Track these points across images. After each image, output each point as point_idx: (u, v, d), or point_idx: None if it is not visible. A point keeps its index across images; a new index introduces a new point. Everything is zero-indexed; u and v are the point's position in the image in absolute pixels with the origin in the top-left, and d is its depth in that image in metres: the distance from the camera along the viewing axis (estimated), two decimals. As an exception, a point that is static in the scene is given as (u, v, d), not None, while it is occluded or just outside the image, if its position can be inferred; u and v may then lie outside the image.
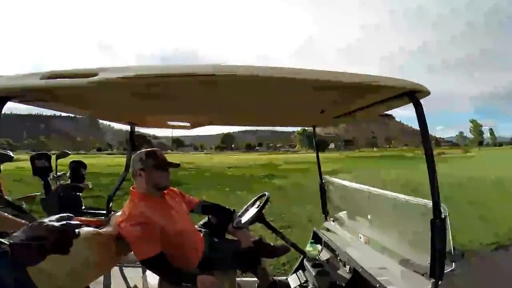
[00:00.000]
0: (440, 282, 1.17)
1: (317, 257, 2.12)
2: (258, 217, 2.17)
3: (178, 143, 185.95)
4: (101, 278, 1.87)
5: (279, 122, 2.59)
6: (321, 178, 2.55)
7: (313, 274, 1.95)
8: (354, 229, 2.12)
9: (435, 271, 1.15)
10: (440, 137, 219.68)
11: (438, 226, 1.10)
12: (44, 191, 3.20)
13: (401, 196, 1.55)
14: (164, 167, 1.78)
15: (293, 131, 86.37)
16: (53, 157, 3.51)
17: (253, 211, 2.19)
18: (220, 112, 1.86)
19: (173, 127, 2.40)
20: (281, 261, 3.56)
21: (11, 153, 3.07)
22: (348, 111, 1.68)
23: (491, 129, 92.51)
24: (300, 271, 2.14)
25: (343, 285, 1.76)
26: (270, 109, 1.73)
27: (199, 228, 2.20)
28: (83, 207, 3.25)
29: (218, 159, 24.52)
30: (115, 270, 1.99)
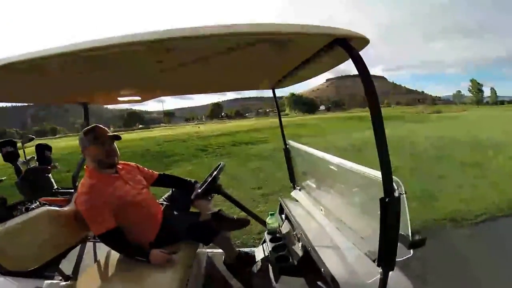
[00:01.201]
0: (390, 272, 1.01)
1: (277, 230, 2.06)
2: (214, 188, 2.19)
3: (170, 116, 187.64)
4: (74, 253, 1.99)
5: (231, 87, 2.48)
6: (285, 143, 2.44)
7: (269, 248, 1.87)
8: (317, 200, 2.01)
9: (383, 258, 1.00)
10: (436, 96, 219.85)
11: (388, 205, 0.92)
12: (16, 175, 3.36)
13: (359, 168, 1.28)
14: (103, 143, 1.76)
15: (282, 96, 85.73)
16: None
17: (208, 181, 2.19)
18: (169, 82, 1.78)
19: (124, 102, 2.37)
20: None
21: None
22: (290, 69, 1.57)
23: (492, 88, 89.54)
24: (266, 243, 2.03)
25: (295, 263, 1.65)
26: (217, 74, 1.60)
27: (161, 201, 2.26)
28: (55, 187, 3.35)
29: (205, 128, 24.26)
30: (89, 246, 2.08)
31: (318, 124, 21.25)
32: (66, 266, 1.89)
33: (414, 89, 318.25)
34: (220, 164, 2.36)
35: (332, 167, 1.58)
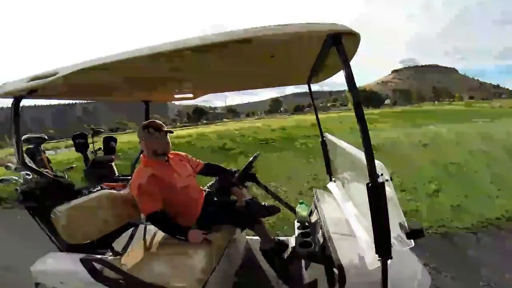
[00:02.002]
0: (389, 261, 1.04)
1: (307, 219, 2.13)
2: (248, 176, 2.39)
3: (232, 112, 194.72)
4: (127, 234, 2.24)
5: (271, 83, 2.59)
6: (322, 136, 2.47)
7: (296, 235, 1.97)
8: (348, 192, 1.98)
9: (379, 246, 1.02)
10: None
11: (374, 190, 0.98)
12: (84, 163, 3.83)
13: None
14: (157, 136, 2.00)
15: (344, 90, 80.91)
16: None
17: (244, 170, 2.37)
18: (216, 80, 2.06)
19: (179, 99, 2.76)
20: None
21: (45, 136, 3.67)
22: (311, 65, 1.62)
23: None
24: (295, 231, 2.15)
25: (316, 250, 1.72)
26: (255, 71, 1.80)
27: (205, 189, 2.43)
28: (117, 175, 3.68)
29: (263, 123, 24.52)
30: (141, 229, 2.28)
31: (376, 119, 20.32)
32: (119, 246, 2.10)
33: (489, 82, 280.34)
34: (256, 154, 2.51)
35: (358, 162, 1.61)
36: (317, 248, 1.72)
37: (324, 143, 2.44)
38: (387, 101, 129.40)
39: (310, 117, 22.11)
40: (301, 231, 1.97)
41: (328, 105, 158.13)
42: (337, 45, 1.01)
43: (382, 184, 0.97)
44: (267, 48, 1.16)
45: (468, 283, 2.63)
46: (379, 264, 1.05)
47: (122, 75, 1.52)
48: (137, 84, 1.94)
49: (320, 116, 2.62)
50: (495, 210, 4.17)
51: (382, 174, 0.99)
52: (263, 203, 2.26)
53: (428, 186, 5.43)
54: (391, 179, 1.04)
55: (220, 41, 0.99)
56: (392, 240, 1.02)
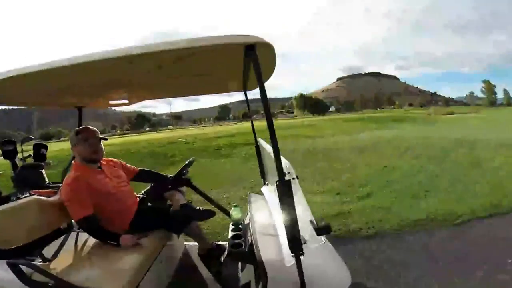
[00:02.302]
0: (301, 257, 1.09)
1: (240, 222, 2.14)
2: (183, 181, 2.48)
3: (177, 118, 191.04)
4: (58, 242, 2.12)
5: (208, 90, 2.69)
6: (256, 141, 2.65)
7: (229, 237, 1.98)
8: (275, 193, 2.07)
9: (291, 243, 1.08)
10: (450, 97, 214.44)
11: (281, 188, 1.06)
12: (13, 170, 3.75)
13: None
14: (90, 142, 2.03)
15: (291, 97, 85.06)
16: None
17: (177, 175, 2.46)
18: (151, 87, 2.13)
19: (113, 105, 2.76)
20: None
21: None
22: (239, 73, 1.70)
23: (505, 89, 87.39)
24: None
25: (246, 250, 1.76)
26: (190, 79, 1.90)
27: (139, 195, 2.49)
28: (47, 182, 3.63)
29: (209, 130, 24.55)
30: (73, 234, 2.22)
31: (323, 126, 21.17)
32: (50, 252, 2.02)
33: (427, 89, 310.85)
34: (191, 159, 2.62)
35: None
36: (246, 248, 1.76)
37: (258, 149, 2.63)
38: (332, 108, 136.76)
39: (259, 124, 22.50)
40: (234, 233, 2.00)
41: (276, 112, 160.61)
42: (252, 55, 1.07)
43: (289, 181, 1.07)
44: (193, 58, 1.22)
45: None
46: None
47: (54, 83, 1.54)
48: (70, 91, 1.95)
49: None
50: (420, 212, 4.45)
51: (289, 173, 1.11)
52: (197, 207, 2.26)
53: (361, 189, 5.71)
54: (297, 178, 1.16)
55: (145, 52, 1.04)
56: (306, 237, 1.11)
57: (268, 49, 1.14)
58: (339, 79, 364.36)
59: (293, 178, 1.11)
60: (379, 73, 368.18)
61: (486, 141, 10.52)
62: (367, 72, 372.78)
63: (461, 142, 10.63)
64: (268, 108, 1.10)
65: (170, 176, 2.49)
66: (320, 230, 1.07)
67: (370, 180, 6.28)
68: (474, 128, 17.74)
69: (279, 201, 1.08)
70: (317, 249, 1.22)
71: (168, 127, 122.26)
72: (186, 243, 2.70)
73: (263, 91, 1.11)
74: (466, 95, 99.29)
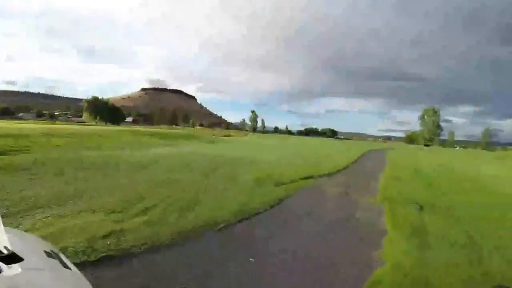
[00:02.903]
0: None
1: None
2: None
3: None
4: None
5: None
6: None
7: None
8: None
9: None
10: (230, 122, 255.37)
11: None
12: None
13: None
14: None
15: (82, 99, 73.20)
16: None
17: None
18: None
19: None
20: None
21: None
22: None
23: (262, 119, 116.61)
24: None
25: None
26: None
27: None
28: None
29: None
30: None
31: (112, 136, 20.13)
32: None
33: (215, 112, 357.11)
34: None
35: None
36: None
37: None
38: (128, 119, 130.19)
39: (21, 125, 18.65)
40: None
41: (57, 113, 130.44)
42: None
43: None
44: None
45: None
46: None
47: None
48: None
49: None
50: (189, 223, 5.24)
51: None
52: None
53: (138, 205, 5.91)
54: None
55: None
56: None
57: None
58: (143, 89, 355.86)
59: None
60: (181, 91, 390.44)
61: (245, 159, 13.76)
62: (171, 88, 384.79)
63: (229, 159, 13.39)
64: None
65: None
66: (9, 258, 0.99)
67: (148, 195, 6.66)
68: (241, 148, 22.18)
69: None
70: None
71: None
72: None
73: None
74: (240, 121, 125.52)
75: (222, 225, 5.43)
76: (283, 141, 49.92)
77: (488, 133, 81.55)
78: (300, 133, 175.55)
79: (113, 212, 5.42)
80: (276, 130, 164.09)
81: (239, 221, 5.78)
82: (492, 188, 12.48)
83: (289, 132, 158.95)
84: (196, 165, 11.09)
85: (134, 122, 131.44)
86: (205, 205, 6.42)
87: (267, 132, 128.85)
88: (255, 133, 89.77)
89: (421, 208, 7.88)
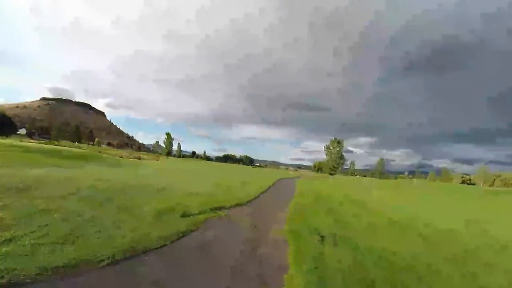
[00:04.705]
0: None
1: None
2: None
3: None
4: None
5: None
6: None
7: None
8: None
9: None
10: (142, 143, 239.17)
11: None
12: None
13: None
14: None
15: None
16: None
17: None
18: None
19: None
20: None
21: None
22: None
23: (179, 143, 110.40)
24: None
25: None
26: None
27: None
28: None
29: None
30: None
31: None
32: None
33: (126, 132, 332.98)
34: None
35: None
36: None
37: None
38: (21, 130, 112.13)
39: None
40: None
41: None
42: None
43: None
44: None
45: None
46: None
47: None
48: None
49: None
50: (63, 258, 4.71)
51: None
52: None
53: (2, 234, 5.19)
54: None
55: None
56: None
57: None
58: (44, 98, 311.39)
59: None
60: (89, 105, 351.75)
61: (150, 187, 12.57)
62: (77, 100, 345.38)
63: (132, 187, 12.01)
64: None
65: None
66: None
67: (18, 223, 5.76)
68: (148, 174, 20.45)
69: None
70: None
71: None
72: None
73: None
74: (154, 143, 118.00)
75: (105, 262, 4.88)
76: (201, 167, 48.78)
77: (381, 163, 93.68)
78: (218, 159, 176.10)
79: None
80: (194, 154, 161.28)
81: (127, 258, 5.22)
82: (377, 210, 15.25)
83: (207, 158, 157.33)
84: (89, 192, 9.58)
85: (29, 135, 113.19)
86: (87, 238, 5.66)
87: (184, 156, 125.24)
88: (170, 157, 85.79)
89: (322, 238, 8.20)
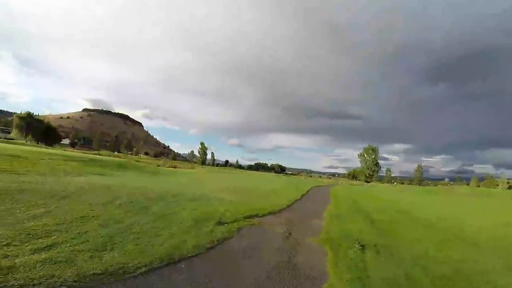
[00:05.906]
0: None
1: None
2: None
3: None
4: None
5: None
6: None
7: None
8: None
9: None
10: (177, 152, 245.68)
11: None
12: None
13: None
14: None
15: (15, 112, 65.76)
16: None
17: None
18: None
19: None
20: None
21: None
22: None
23: (212, 152, 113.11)
24: None
25: None
26: None
27: None
28: None
29: None
30: None
31: (34, 159, 17.75)
32: None
33: (162, 142, 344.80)
34: None
35: None
36: None
37: None
38: (65, 140, 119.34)
39: None
40: None
41: None
42: None
43: None
44: None
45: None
46: None
47: None
48: None
49: None
50: (101, 265, 4.67)
51: None
52: None
53: (41, 240, 5.21)
54: None
55: None
56: None
57: None
58: (86, 110, 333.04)
59: None
60: (127, 116, 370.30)
61: (186, 195, 12.72)
62: (116, 111, 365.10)
63: (169, 194, 12.25)
64: None
65: None
66: None
67: (59, 230, 5.85)
68: (184, 183, 20.85)
69: None
70: None
71: None
72: None
73: None
74: (189, 152, 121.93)
75: (142, 269, 4.85)
76: (235, 175, 49.12)
77: (420, 169, 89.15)
78: (250, 167, 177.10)
79: (7, 245, 4.79)
80: (227, 163, 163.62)
81: (164, 266, 5.18)
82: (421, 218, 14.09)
83: (239, 167, 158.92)
84: (128, 200, 9.82)
85: (72, 145, 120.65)
86: (125, 245, 5.68)
87: (217, 165, 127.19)
88: (204, 166, 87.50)
89: (363, 247, 7.73)
